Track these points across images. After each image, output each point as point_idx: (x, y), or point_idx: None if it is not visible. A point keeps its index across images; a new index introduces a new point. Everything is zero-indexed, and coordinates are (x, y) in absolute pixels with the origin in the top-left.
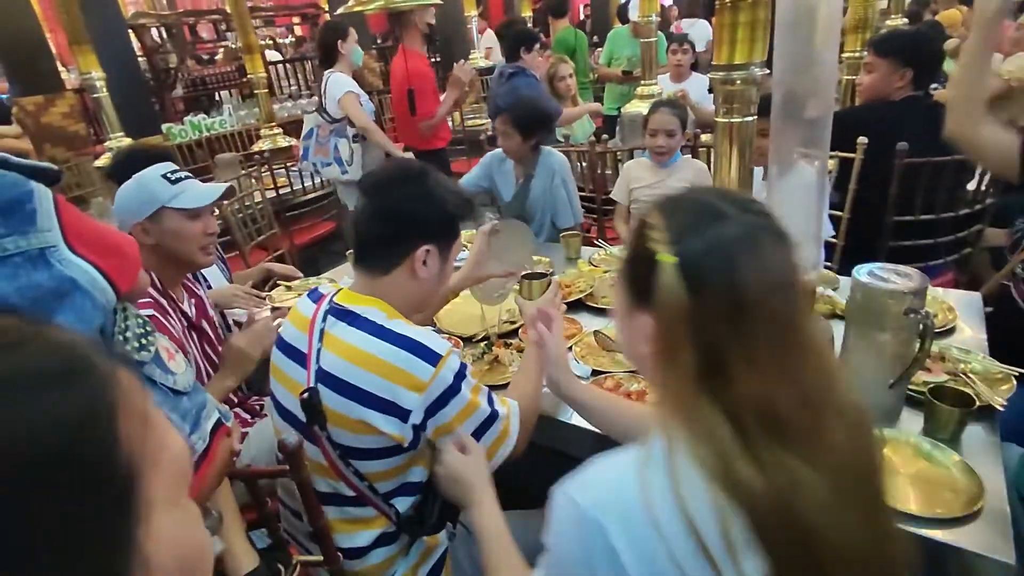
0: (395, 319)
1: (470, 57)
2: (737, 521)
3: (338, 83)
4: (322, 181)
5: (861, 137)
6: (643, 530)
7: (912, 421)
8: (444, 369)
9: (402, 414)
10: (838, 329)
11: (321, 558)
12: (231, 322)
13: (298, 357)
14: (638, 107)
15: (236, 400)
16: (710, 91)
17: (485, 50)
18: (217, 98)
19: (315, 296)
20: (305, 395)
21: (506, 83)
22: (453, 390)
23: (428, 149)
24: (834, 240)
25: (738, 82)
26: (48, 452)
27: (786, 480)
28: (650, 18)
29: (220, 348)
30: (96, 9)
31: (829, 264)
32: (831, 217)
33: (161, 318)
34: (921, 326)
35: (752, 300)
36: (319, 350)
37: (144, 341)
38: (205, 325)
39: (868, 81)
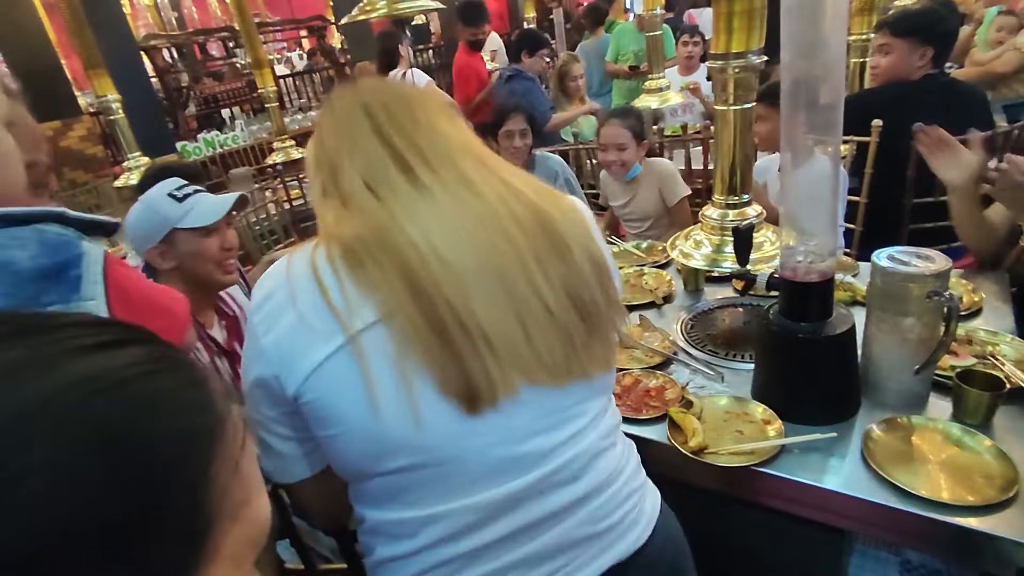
0: None
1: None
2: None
3: (420, 77)
4: None
5: (876, 120)
6: (279, 297)
7: (940, 407)
8: None
9: None
10: (859, 316)
11: (345, 565)
12: None
13: None
14: (647, 102)
15: None
16: None
17: (490, 53)
18: (230, 114)
19: None
20: None
21: (504, 86)
22: None
23: None
24: (852, 226)
25: (737, 70)
26: (148, 461)
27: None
28: (655, 11)
29: None
30: (109, 33)
31: (848, 251)
32: (849, 203)
33: (202, 354)
34: (946, 309)
35: None
36: None
37: None
38: (237, 347)
39: (886, 63)
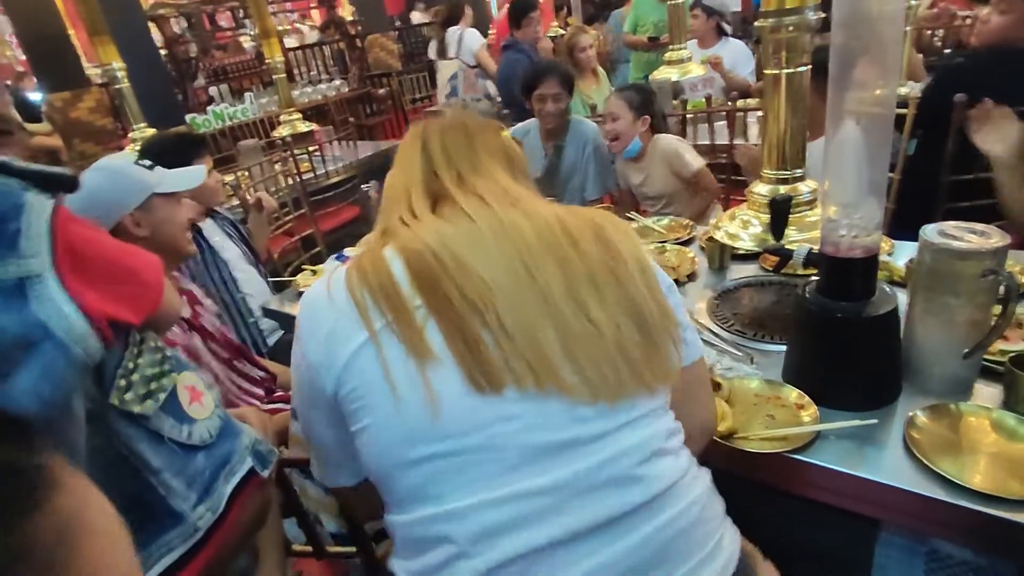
0: None
1: (489, 32)
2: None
3: (475, 37)
4: (344, 166)
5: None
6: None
7: (986, 395)
8: None
9: None
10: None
11: (354, 549)
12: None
13: None
14: (667, 73)
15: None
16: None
17: None
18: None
19: (341, 258)
20: None
21: (501, 56)
22: None
23: None
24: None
25: (790, 28)
26: None
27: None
28: None
29: (231, 336)
30: (115, 0)
31: None
32: None
33: None
34: (1002, 289)
35: None
36: None
37: (154, 386)
38: (204, 322)
39: (1000, 23)
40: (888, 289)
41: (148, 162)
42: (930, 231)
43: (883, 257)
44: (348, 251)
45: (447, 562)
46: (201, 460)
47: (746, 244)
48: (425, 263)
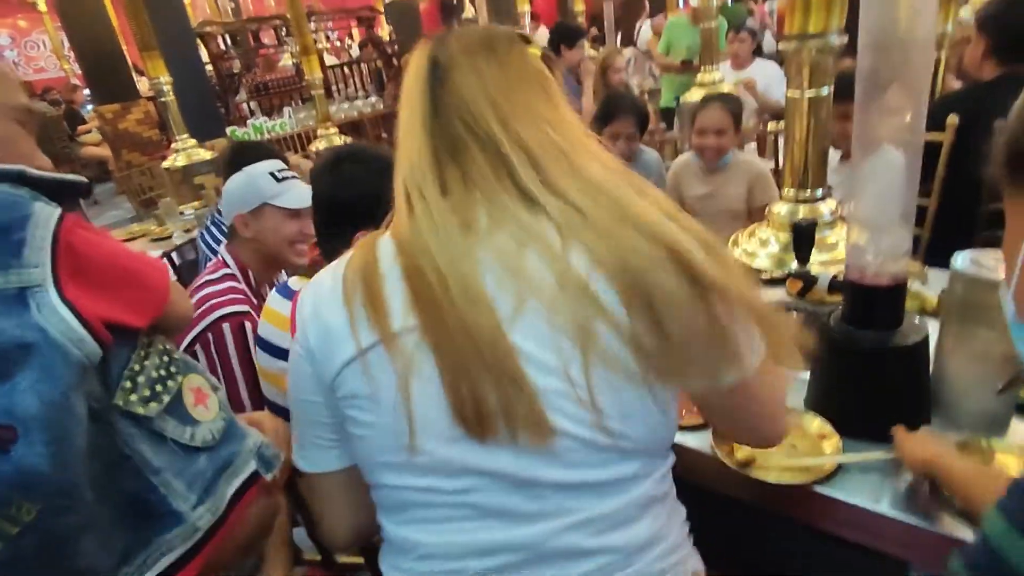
0: None
1: None
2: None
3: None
4: None
5: (952, 117)
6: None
7: (1022, 433)
8: None
9: None
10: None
11: (362, 560)
12: None
13: (286, 355)
14: (697, 95)
15: None
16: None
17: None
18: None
19: (287, 293)
20: None
21: None
22: None
23: None
24: (917, 231)
25: (813, 51)
26: None
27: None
28: (710, 2)
29: None
30: (166, 17)
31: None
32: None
33: (254, 314)
34: None
35: None
36: None
37: (160, 388)
38: None
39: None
40: (917, 318)
41: (287, 174)
42: (962, 260)
43: (916, 286)
44: (292, 284)
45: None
46: (203, 461)
47: (763, 263)
48: (426, 284)
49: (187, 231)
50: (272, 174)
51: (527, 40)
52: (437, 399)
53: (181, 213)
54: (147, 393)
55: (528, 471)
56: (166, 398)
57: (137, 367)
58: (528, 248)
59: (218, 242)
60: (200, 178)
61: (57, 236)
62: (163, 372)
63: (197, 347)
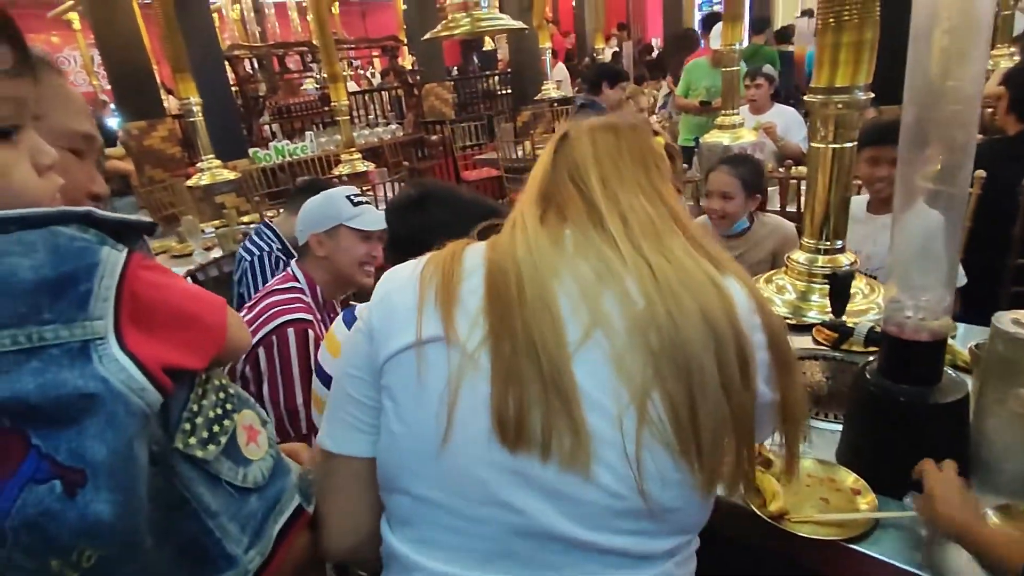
0: None
1: (543, 88)
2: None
3: None
4: None
5: (979, 171)
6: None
7: None
8: None
9: None
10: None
11: None
12: None
13: None
14: (718, 137)
15: None
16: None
17: (556, 82)
18: (299, 126)
19: (351, 322)
20: None
21: (576, 114)
22: None
23: None
24: None
25: (839, 106)
26: None
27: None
28: (733, 47)
29: None
30: (197, 40)
31: None
32: None
33: (318, 326)
34: None
35: None
36: None
37: (216, 428)
38: None
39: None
40: (956, 375)
41: (362, 199)
42: (1004, 320)
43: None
44: (359, 310)
45: None
46: (254, 502)
47: (780, 311)
48: (504, 282)
49: (207, 249)
50: (349, 198)
51: (655, 132)
52: (482, 410)
53: (203, 231)
54: (205, 435)
55: (550, 519)
56: (223, 439)
57: (195, 407)
58: (606, 287)
59: (261, 250)
60: (221, 197)
61: (121, 283)
62: (219, 411)
63: (260, 350)
